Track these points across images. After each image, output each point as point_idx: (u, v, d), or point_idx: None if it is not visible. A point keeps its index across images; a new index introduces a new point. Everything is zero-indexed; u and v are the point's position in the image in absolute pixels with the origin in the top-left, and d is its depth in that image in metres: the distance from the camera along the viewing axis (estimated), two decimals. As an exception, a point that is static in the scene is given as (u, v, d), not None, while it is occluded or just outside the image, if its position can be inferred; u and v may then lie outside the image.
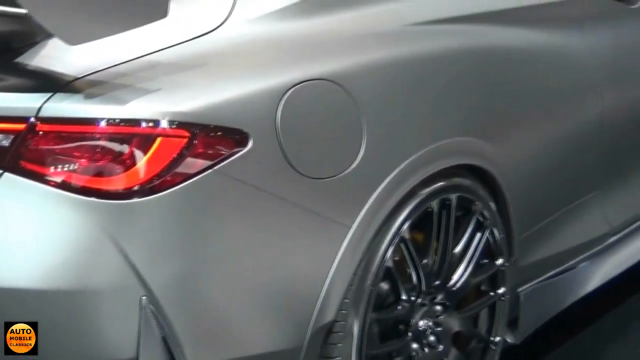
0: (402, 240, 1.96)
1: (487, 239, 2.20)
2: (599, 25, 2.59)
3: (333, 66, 1.83)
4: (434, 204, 2.03)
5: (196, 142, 1.59)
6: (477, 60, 2.18)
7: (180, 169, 1.58)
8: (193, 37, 1.73)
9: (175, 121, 1.58)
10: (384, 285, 1.98)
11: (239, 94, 1.67)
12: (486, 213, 2.17)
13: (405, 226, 1.96)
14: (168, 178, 1.57)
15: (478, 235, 2.18)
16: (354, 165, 1.81)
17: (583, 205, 2.64)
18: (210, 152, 1.61)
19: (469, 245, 2.16)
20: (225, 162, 1.62)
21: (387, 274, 1.95)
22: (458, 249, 2.14)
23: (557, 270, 2.61)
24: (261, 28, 1.83)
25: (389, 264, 1.93)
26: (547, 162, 2.42)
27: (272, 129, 1.69)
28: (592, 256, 2.74)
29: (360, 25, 1.98)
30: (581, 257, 2.70)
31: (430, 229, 2.06)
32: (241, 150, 1.63)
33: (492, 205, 2.20)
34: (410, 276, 2.02)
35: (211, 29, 1.76)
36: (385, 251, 1.91)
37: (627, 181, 2.85)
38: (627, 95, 2.72)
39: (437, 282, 2.10)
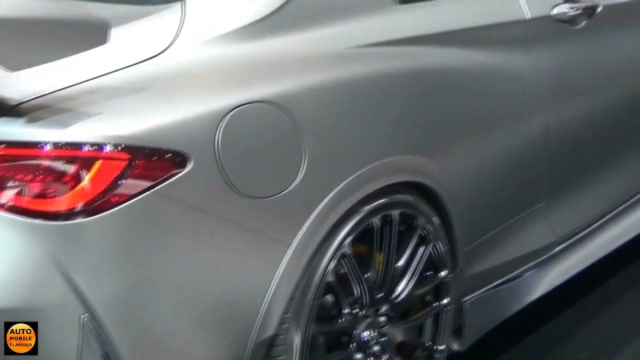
0: (344, 255, 1.98)
1: (431, 252, 2.23)
2: (543, 45, 2.61)
3: (275, 89, 1.85)
4: (376, 220, 2.05)
5: (136, 164, 1.61)
6: (418, 80, 2.20)
7: (121, 190, 1.60)
8: (138, 61, 1.74)
9: (114, 144, 1.60)
10: (328, 298, 2.00)
11: (179, 116, 1.69)
12: (429, 227, 2.20)
13: (347, 242, 1.98)
14: (109, 199, 1.59)
15: (421, 248, 2.20)
16: (294, 185, 1.84)
17: (529, 216, 2.68)
18: (150, 173, 1.63)
19: (412, 258, 2.19)
20: (165, 183, 1.64)
21: (329, 288, 1.97)
22: (401, 262, 2.16)
23: (503, 279, 2.65)
24: (207, 52, 1.84)
25: (331, 278, 1.96)
26: (492, 176, 2.45)
27: (212, 151, 1.71)
28: (538, 265, 2.77)
29: (305, 48, 1.99)
30: (527, 266, 2.73)
31: (373, 243, 2.08)
32: (181, 172, 1.65)
33: (436, 219, 2.23)
34: (353, 289, 2.05)
35: (157, 53, 1.77)
36: (326, 267, 1.94)
37: (573, 193, 2.88)
38: (571, 112, 2.74)
39: (380, 295, 2.12)
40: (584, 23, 2.74)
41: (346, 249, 1.99)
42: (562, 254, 2.88)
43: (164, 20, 1.86)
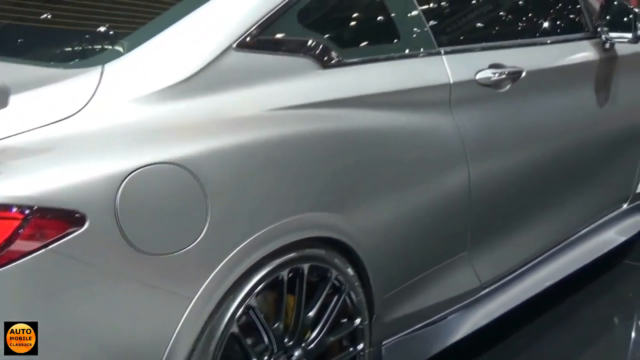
0: (249, 307, 1.99)
1: (344, 301, 2.25)
2: (466, 107, 2.65)
3: (182, 151, 1.86)
4: (284, 274, 2.07)
5: (30, 222, 1.62)
6: (333, 141, 2.22)
7: (15, 248, 1.61)
8: (45, 124, 1.74)
9: (8, 204, 1.61)
10: (234, 347, 2.01)
11: (78, 177, 1.70)
12: (342, 279, 2.22)
13: (253, 295, 1.99)
14: (3, 256, 1.60)
15: (334, 298, 2.23)
16: (196, 242, 1.85)
17: (453, 263, 2.72)
18: (45, 232, 1.64)
19: (324, 307, 2.21)
20: (61, 241, 1.64)
21: (235, 338, 1.98)
22: (312, 311, 2.18)
23: (426, 322, 2.67)
24: (120, 114, 1.85)
25: (236, 329, 1.97)
26: (410, 230, 2.47)
27: (111, 210, 1.72)
28: (462, 308, 2.80)
29: (221, 110, 2.01)
30: (451, 309, 2.76)
31: (282, 295, 2.10)
32: (77, 230, 1.66)
33: (350, 270, 2.25)
34: (262, 337, 2.07)
35: (68, 115, 1.78)
36: (231, 318, 1.95)
37: (498, 241, 2.92)
38: (494, 167, 2.77)
39: (291, 343, 2.14)
40: (508, 87, 2.80)
41: (252, 301, 2.00)
42: (488, 296, 2.91)
43: (80, 83, 1.87)
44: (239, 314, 1.98)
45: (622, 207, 3.71)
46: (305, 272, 2.13)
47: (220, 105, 2.01)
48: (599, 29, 3.35)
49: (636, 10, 3.26)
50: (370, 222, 2.32)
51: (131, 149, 1.81)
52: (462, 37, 2.91)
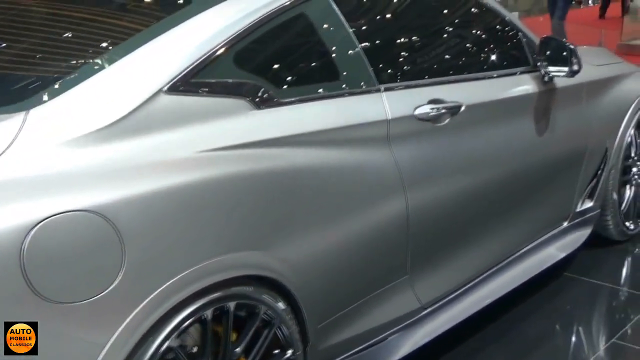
0: (170, 349, 1.98)
1: (276, 333, 2.27)
2: (405, 142, 2.69)
3: (99, 197, 1.82)
4: (208, 313, 2.06)
5: None
6: (261, 180, 2.20)
7: None
8: None
9: None
10: None
11: None
12: (271, 313, 2.23)
13: (173, 336, 1.98)
14: None
15: (264, 332, 2.25)
16: (110, 289, 1.81)
17: (393, 288, 2.75)
18: None
19: (254, 341, 2.22)
20: None
21: None
22: (240, 347, 2.18)
23: (365, 344, 2.71)
24: (42, 160, 1.81)
25: None
26: (344, 260, 2.49)
27: (17, 258, 1.68)
28: (402, 328, 2.84)
29: (145, 154, 1.97)
30: (391, 330, 2.81)
31: (207, 333, 2.10)
32: None
33: (281, 305, 2.26)
34: None
35: None
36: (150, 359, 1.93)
37: (439, 264, 2.98)
38: (432, 197, 2.83)
39: None
40: (447, 121, 2.85)
41: (173, 342, 1.98)
42: (428, 316, 2.96)
43: (1, 128, 1.84)
44: (159, 354, 1.96)
45: (562, 224, 3.81)
46: (232, 309, 2.13)
47: (146, 149, 1.99)
48: (538, 64, 3.46)
49: (572, 46, 3.37)
50: (301, 257, 2.33)
51: (46, 195, 1.77)
52: (402, 74, 2.95)
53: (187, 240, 2.01)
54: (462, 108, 2.93)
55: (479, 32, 3.48)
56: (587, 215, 3.93)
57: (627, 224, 4.20)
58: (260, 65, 2.46)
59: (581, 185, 3.84)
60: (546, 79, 3.41)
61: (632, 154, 4.18)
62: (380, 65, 2.78)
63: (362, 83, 2.66)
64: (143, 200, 1.91)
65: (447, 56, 3.24)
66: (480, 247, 3.21)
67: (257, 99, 2.30)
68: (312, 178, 2.39)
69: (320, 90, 2.54)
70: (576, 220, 3.86)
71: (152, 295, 1.91)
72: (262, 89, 2.32)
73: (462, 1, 3.43)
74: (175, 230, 1.98)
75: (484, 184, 3.10)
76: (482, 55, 3.42)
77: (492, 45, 3.50)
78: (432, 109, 2.82)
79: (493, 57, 3.43)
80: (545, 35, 3.46)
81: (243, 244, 2.17)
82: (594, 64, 3.96)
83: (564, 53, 3.33)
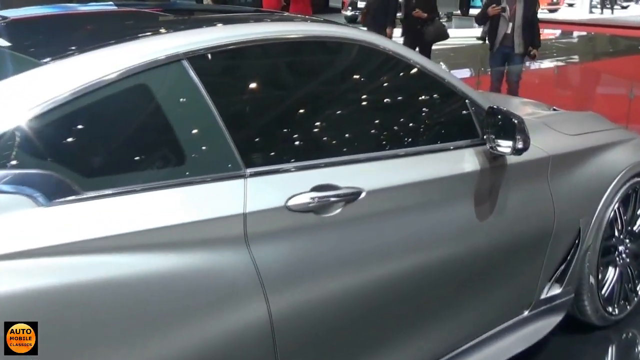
0: None
1: None
2: (270, 239, 2.17)
3: None
4: None
5: None
6: (45, 299, 1.77)
7: None
8: None
9: None
10: None
11: None
12: None
13: None
14: None
15: None
16: None
17: None
18: None
19: None
20: None
21: None
22: None
23: None
24: None
25: None
26: None
27: None
28: None
29: None
30: None
31: None
32: None
33: None
34: None
35: None
36: None
37: None
38: (305, 303, 2.25)
39: None
40: (338, 211, 2.30)
41: None
42: None
43: None
44: None
45: (522, 314, 3.21)
46: None
47: None
48: (485, 137, 2.88)
49: (516, 120, 2.77)
50: None
51: None
52: (281, 154, 2.31)
53: None
54: (362, 195, 2.37)
55: (398, 99, 2.85)
56: (556, 302, 3.30)
57: (610, 309, 3.51)
58: (67, 149, 1.96)
59: (547, 269, 3.21)
60: (493, 154, 2.80)
61: (616, 232, 3.48)
62: (249, 144, 2.25)
63: (220, 167, 2.14)
64: None
65: (347, 131, 2.60)
66: (398, 350, 2.62)
67: (51, 192, 1.83)
68: (138, 291, 1.92)
69: (160, 178, 2.03)
70: (540, 308, 3.24)
71: None
72: (58, 180, 1.85)
73: (373, 59, 2.76)
74: None
75: (393, 279, 2.51)
76: (403, 127, 2.81)
77: (419, 115, 2.88)
78: (313, 198, 2.26)
79: (421, 130, 2.85)
80: (491, 105, 2.85)
81: None
82: (570, 132, 3.32)
83: (510, 127, 2.74)
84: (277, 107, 2.48)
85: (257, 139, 2.32)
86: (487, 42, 8.22)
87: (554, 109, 3.92)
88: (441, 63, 12.53)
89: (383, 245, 2.47)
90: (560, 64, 12.82)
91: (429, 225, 2.63)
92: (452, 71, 11.80)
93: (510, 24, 7.30)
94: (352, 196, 2.34)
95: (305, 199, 2.23)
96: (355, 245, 2.39)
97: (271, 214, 2.17)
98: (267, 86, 2.53)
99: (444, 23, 10.32)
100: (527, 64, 8.76)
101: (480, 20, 8.27)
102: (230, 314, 2.09)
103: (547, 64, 12.20)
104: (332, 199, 2.29)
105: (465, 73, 11.12)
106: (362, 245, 2.41)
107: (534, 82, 9.87)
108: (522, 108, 3.91)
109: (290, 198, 2.21)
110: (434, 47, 9.43)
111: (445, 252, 2.68)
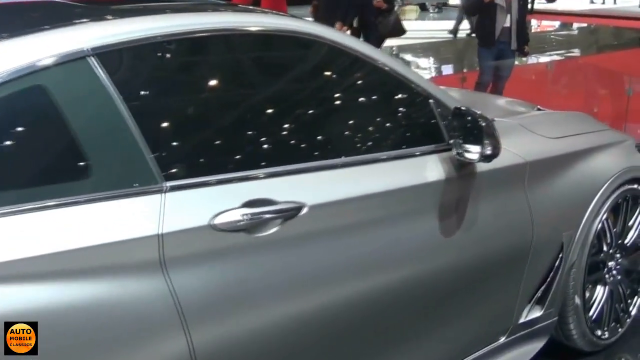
0: None
1: None
2: (192, 263, 1.88)
3: None
4: None
5: None
6: None
7: None
8: None
9: None
10: None
11: None
12: None
13: None
14: None
15: None
16: None
17: None
18: None
19: None
20: None
21: None
22: None
23: None
24: None
25: None
26: None
27: None
28: None
29: None
30: None
31: None
32: None
33: None
34: None
35: None
36: None
37: None
38: (228, 335, 1.95)
39: None
40: (275, 229, 1.99)
41: None
42: None
43: None
44: None
45: (498, 340, 2.84)
46: None
47: None
48: (451, 141, 2.51)
49: (483, 123, 2.40)
50: None
51: None
52: (208, 165, 2.03)
53: None
54: (304, 210, 2.05)
55: (349, 99, 2.49)
56: (537, 327, 2.93)
57: (598, 332, 3.14)
58: None
59: (526, 290, 2.84)
60: (461, 161, 2.44)
61: (605, 246, 3.11)
62: (169, 154, 1.94)
63: (133, 180, 1.84)
64: None
65: (287, 137, 2.27)
66: None
67: None
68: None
69: (60, 194, 1.75)
70: (519, 334, 2.87)
71: None
72: None
73: (317, 53, 2.40)
74: None
75: (340, 308, 2.18)
76: (355, 131, 2.45)
77: (374, 118, 2.51)
78: (245, 214, 1.95)
79: (376, 134, 2.49)
80: (457, 106, 2.48)
81: None
82: (551, 135, 2.95)
83: (477, 132, 2.37)
84: (202, 111, 2.16)
85: (178, 148, 2.01)
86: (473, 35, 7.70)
87: (539, 109, 3.53)
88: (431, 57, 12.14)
89: (328, 269, 2.15)
90: (557, 58, 12.39)
91: (385, 244, 2.29)
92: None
93: (509, 17, 6.76)
94: (291, 212, 2.03)
95: (234, 216, 1.93)
96: (294, 269, 2.07)
97: (193, 235, 1.87)
98: (191, 87, 2.19)
99: (434, 15, 9.78)
100: (524, 59, 8.36)
101: (471, 8, 7.60)
102: (143, 349, 1.80)
103: (543, 59, 11.77)
104: (267, 215, 1.98)
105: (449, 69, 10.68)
106: (302, 269, 2.09)
107: (527, 78, 9.45)
108: (502, 107, 3.55)
109: (216, 215, 1.91)
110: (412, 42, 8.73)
111: (405, 274, 2.35)
